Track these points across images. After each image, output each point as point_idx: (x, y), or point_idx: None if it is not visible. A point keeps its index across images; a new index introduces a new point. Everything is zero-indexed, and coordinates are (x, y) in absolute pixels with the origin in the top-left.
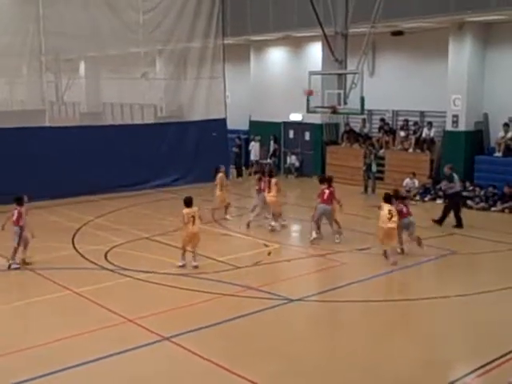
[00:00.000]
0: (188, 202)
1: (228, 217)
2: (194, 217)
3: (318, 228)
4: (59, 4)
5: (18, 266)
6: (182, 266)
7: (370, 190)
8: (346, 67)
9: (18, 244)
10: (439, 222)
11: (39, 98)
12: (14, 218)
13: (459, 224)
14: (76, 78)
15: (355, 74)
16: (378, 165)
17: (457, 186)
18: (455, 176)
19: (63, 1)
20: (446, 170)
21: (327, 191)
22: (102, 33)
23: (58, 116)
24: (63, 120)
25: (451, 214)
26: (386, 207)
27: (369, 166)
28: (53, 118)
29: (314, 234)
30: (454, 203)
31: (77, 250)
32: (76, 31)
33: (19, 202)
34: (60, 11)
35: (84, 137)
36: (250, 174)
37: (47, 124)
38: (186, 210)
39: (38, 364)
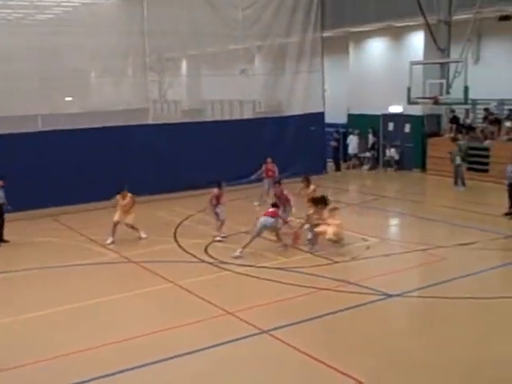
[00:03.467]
0: None
1: None
2: None
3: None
4: (161, 5)
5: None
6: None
7: (459, 182)
8: (449, 56)
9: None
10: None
11: (143, 97)
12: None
13: None
14: (177, 76)
15: (459, 62)
16: (483, 156)
17: None
18: None
19: (165, 1)
20: None
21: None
22: (202, 31)
23: (160, 114)
24: (165, 117)
25: None
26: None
27: (453, 159)
28: (156, 115)
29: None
30: None
31: (178, 244)
32: (177, 30)
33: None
34: (162, 11)
35: (185, 133)
36: (348, 168)
37: (150, 122)
38: None
39: (138, 354)
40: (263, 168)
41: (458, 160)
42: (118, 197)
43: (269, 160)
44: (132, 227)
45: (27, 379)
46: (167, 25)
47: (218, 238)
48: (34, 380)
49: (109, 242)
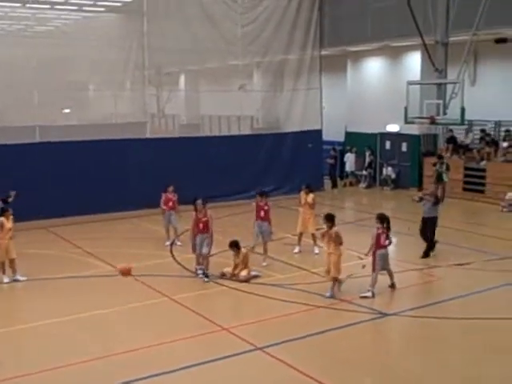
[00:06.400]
0: None
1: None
2: None
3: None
4: (161, 20)
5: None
6: None
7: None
8: (445, 76)
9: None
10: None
11: (141, 111)
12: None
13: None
14: (176, 91)
15: (455, 83)
16: (479, 177)
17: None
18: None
19: (165, 17)
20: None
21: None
22: (201, 46)
23: (158, 128)
24: (163, 132)
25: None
26: None
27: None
28: (153, 129)
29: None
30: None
31: (174, 258)
32: (177, 45)
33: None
34: (162, 27)
35: (183, 148)
36: (344, 185)
37: (148, 136)
38: None
39: (133, 368)
40: (163, 198)
41: (446, 177)
42: (3, 219)
43: (170, 189)
44: (12, 263)
45: None
46: (167, 40)
47: (199, 271)
48: None
49: (7, 280)
